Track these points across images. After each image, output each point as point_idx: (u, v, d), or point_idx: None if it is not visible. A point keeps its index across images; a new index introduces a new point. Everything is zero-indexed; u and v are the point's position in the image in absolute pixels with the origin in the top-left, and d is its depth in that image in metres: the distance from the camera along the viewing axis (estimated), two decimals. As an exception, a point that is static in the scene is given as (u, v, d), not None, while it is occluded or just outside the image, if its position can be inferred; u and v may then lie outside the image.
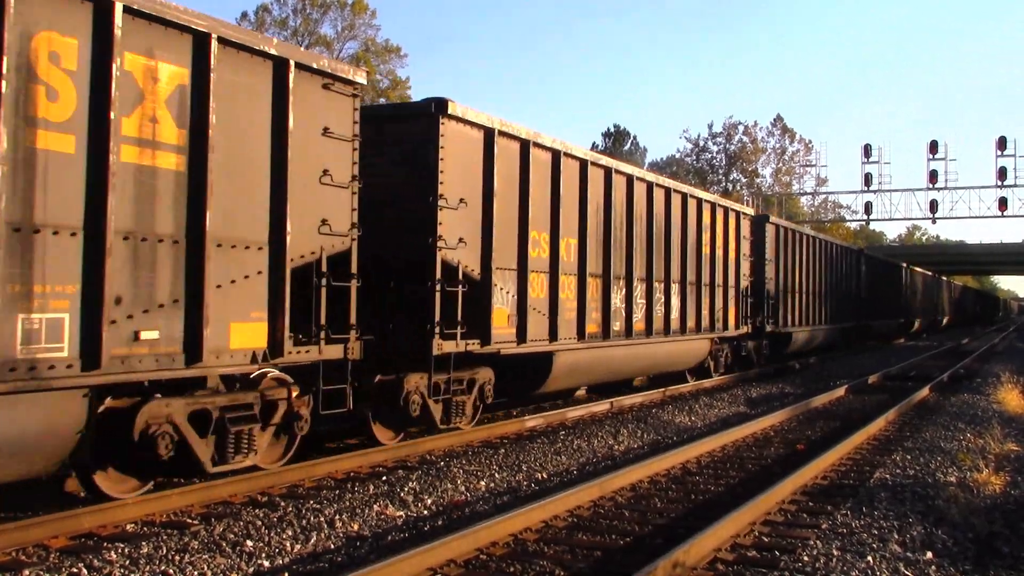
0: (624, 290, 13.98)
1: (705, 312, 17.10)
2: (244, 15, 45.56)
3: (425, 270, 9.92)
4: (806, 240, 25.69)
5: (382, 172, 9.92)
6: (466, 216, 10.37)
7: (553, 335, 11.97)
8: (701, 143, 70.30)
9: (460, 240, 10.20)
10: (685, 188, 16.95)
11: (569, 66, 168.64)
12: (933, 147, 48.98)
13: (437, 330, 9.84)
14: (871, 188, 51.00)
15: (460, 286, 10.10)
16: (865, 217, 53.41)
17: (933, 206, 49.47)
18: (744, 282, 19.64)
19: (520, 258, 11.33)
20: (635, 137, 71.28)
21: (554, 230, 12.01)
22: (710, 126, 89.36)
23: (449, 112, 9.99)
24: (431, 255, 9.86)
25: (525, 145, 11.43)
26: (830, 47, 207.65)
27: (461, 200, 10.24)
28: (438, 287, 9.87)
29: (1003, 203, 47.51)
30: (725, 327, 18.33)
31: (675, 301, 15.79)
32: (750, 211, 21.23)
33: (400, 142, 10.27)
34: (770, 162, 69.90)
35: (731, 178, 69.53)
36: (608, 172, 13.60)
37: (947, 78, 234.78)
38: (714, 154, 70.24)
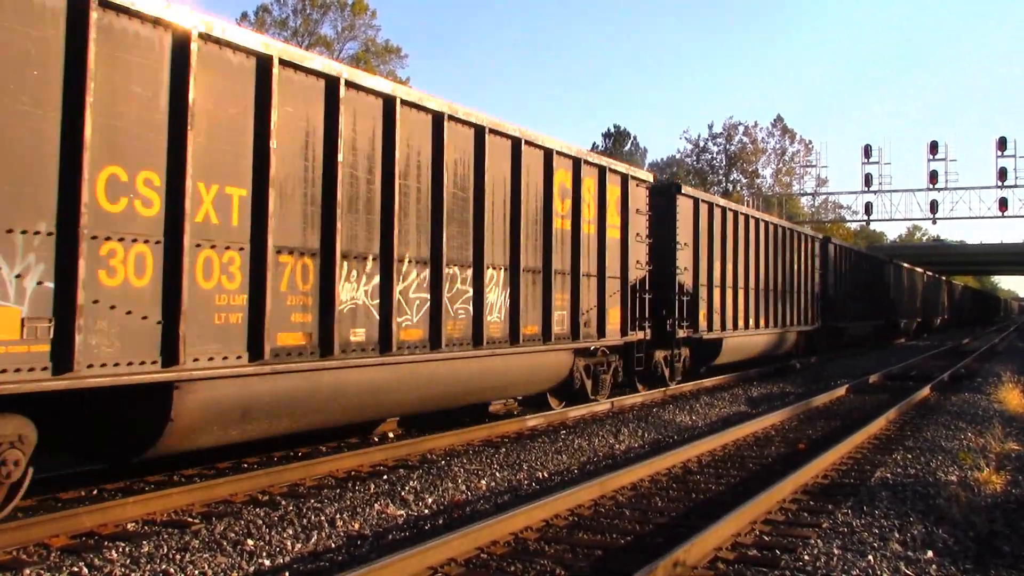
0: (378, 277, 9.10)
1: (561, 313, 12.28)
2: (244, 15, 45.62)
3: None
4: (742, 221, 19.93)
5: None
6: None
7: (171, 353, 6.98)
8: (701, 144, 70.38)
9: None
10: (514, 130, 11.34)
11: (570, 66, 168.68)
12: (933, 147, 48.93)
13: None
14: (871, 188, 50.93)
15: None
16: (865, 218, 53.35)
17: (933, 206, 49.43)
18: (637, 272, 14.52)
19: (63, 212, 6.32)
20: (635, 137, 71.43)
21: (176, 167, 7.03)
22: (710, 127, 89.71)
23: None
24: None
25: (75, 5, 6.36)
26: (830, 48, 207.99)
27: None
28: None
29: (1003, 203, 47.47)
30: (601, 333, 13.29)
31: (496, 296, 10.89)
32: (647, 176, 15.21)
33: None
34: (770, 163, 69.98)
35: (731, 179, 69.58)
36: (332, 85, 8.50)
37: (947, 78, 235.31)
38: (714, 155, 70.30)
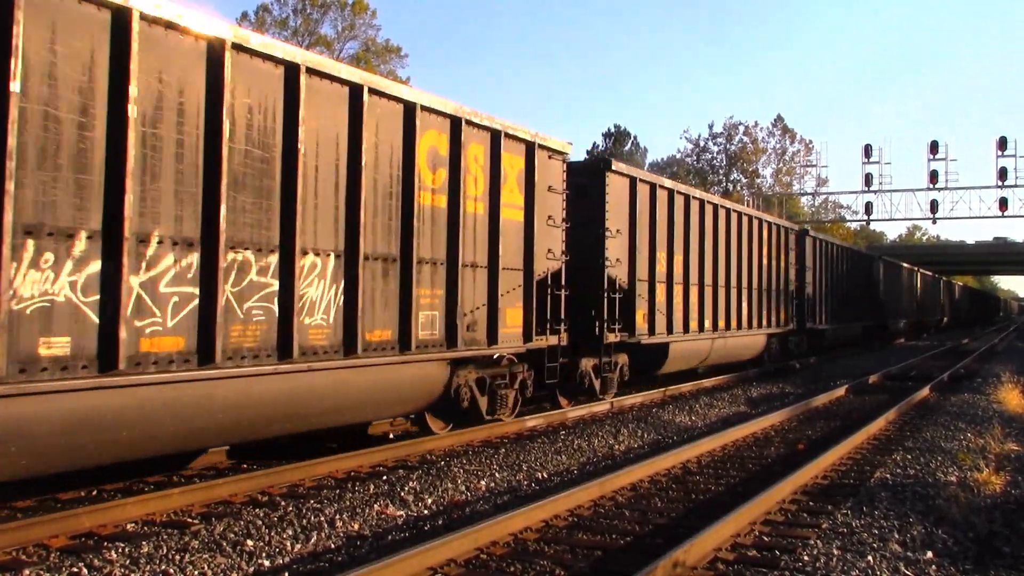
0: (97, 263, 6.48)
1: (430, 314, 9.72)
2: (244, 15, 45.62)
3: None
4: (695, 206, 16.97)
5: None
6: None
7: None
8: (701, 143, 70.35)
9: None
10: (351, 73, 8.83)
11: (570, 67, 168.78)
12: (933, 147, 48.91)
13: None
14: (871, 188, 50.91)
15: None
16: (865, 217, 53.36)
17: (933, 206, 49.41)
18: (549, 263, 11.91)
19: None
20: (636, 137, 71.40)
21: None
22: (710, 126, 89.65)
23: None
24: None
25: None
26: (830, 48, 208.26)
27: None
28: None
29: (1003, 203, 47.43)
30: (493, 339, 10.71)
31: (319, 292, 8.35)
32: (562, 147, 12.27)
33: None
34: (770, 162, 69.93)
35: (731, 178, 69.58)
36: None
37: (947, 78, 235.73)
38: (714, 154, 70.26)
